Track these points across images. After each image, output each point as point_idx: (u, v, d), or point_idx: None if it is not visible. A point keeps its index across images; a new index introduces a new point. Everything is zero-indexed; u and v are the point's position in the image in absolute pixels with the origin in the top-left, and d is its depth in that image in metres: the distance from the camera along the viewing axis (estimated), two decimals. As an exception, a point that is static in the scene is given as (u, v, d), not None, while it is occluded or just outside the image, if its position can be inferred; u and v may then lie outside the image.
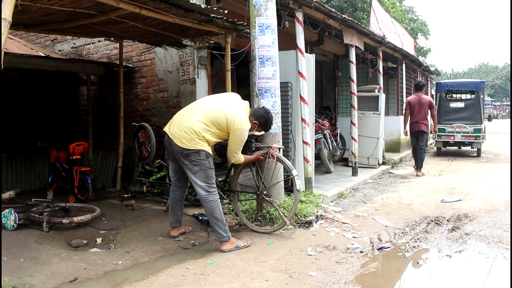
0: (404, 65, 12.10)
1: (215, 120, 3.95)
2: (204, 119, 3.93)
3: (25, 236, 4.10)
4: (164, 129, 4.13)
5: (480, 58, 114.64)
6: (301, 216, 4.76)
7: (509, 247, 3.96)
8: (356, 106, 8.17)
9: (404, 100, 11.69)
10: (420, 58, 21.31)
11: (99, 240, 4.35)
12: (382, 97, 8.94)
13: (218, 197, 4.06)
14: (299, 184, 4.33)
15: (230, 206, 5.13)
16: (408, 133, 8.81)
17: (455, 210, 5.42)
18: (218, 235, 3.97)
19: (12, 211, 4.32)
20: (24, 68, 6.10)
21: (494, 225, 4.70)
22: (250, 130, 4.16)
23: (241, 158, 4.17)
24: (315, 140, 7.19)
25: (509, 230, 4.46)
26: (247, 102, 4.26)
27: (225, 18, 4.82)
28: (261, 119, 4.22)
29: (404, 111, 9.15)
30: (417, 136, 8.44)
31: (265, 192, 4.52)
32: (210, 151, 4.00)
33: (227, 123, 3.95)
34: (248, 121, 4.08)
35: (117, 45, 6.51)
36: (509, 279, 3.23)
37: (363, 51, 9.61)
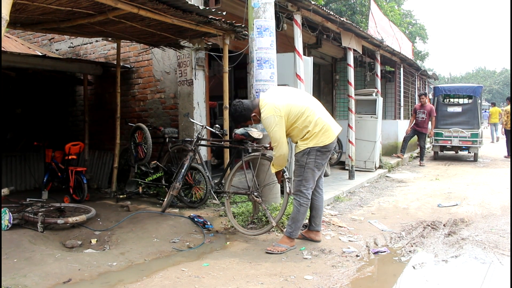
0: (402, 68, 12.12)
1: None
2: None
3: (19, 236, 4.08)
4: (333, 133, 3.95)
5: (478, 62, 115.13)
6: (297, 219, 4.73)
7: (505, 252, 3.95)
8: (353, 109, 8.18)
9: (402, 104, 11.77)
10: (418, 62, 21.37)
11: (93, 241, 4.32)
12: (380, 101, 8.95)
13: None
14: (289, 186, 4.30)
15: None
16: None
17: (452, 215, 5.42)
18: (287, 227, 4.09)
19: (7, 211, 4.30)
20: (21, 67, 6.08)
21: (491, 230, 4.70)
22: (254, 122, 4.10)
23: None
24: (312, 142, 7.16)
25: (505, 235, 4.46)
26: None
27: (223, 19, 4.82)
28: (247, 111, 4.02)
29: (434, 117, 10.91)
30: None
31: (255, 193, 4.50)
32: None
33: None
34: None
35: (115, 45, 6.50)
36: (509, 284, 3.23)
37: (361, 54, 9.64)
